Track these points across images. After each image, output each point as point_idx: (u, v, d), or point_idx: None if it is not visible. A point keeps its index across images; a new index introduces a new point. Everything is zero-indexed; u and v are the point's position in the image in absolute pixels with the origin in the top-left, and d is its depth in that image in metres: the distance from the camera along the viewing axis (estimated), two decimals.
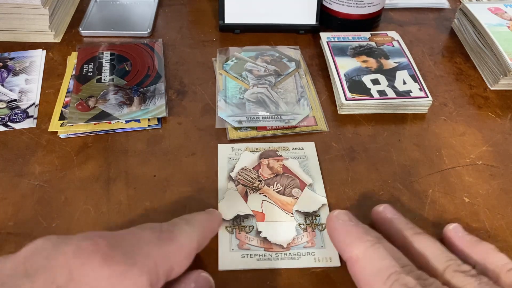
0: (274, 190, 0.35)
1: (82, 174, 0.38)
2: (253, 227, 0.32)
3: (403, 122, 0.44)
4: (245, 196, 0.35)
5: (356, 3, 0.53)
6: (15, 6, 0.50)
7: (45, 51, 0.51)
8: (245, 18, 0.54)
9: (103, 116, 0.42)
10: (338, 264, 0.31)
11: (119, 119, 0.42)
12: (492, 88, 0.49)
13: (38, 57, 0.50)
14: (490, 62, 0.49)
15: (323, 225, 0.33)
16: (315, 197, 0.35)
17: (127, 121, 0.42)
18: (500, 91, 0.49)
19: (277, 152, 0.38)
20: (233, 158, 0.37)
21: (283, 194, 0.35)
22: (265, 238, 0.31)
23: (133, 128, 0.42)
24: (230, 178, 0.36)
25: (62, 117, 0.43)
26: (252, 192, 0.35)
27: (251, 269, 0.31)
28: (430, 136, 0.43)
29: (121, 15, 0.57)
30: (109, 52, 0.50)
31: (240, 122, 0.42)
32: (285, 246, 0.31)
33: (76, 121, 0.41)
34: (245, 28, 0.55)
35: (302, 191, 0.35)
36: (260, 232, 0.32)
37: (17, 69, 0.48)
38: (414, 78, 0.47)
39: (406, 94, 0.45)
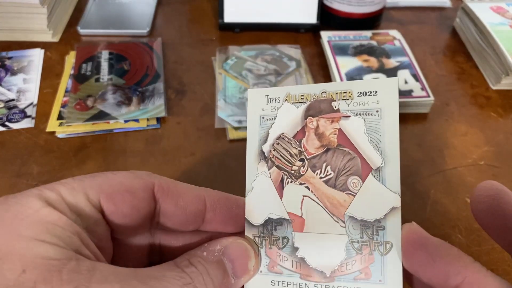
0: (321, 178, 0.22)
1: (80, 175, 0.37)
2: (288, 239, 0.23)
3: (404, 122, 0.44)
4: (280, 187, 0.23)
5: (357, 2, 0.53)
6: (13, 4, 0.49)
7: (43, 50, 0.51)
8: (245, 16, 0.54)
9: (102, 116, 0.42)
10: None
11: (117, 119, 0.42)
12: (494, 88, 0.48)
13: (36, 56, 0.50)
14: (492, 61, 0.49)
15: (388, 245, 0.21)
16: (383, 194, 0.21)
17: (125, 121, 0.42)
18: (502, 91, 0.48)
19: (333, 104, 0.22)
20: (267, 117, 0.23)
21: (334, 186, 0.22)
22: (302, 260, 0.22)
23: (132, 128, 0.42)
24: (262, 155, 0.23)
25: (60, 117, 0.42)
26: (289, 180, 0.23)
27: None
28: (431, 136, 0.43)
29: (119, 13, 0.57)
30: (108, 51, 0.50)
31: (240, 122, 0.42)
32: (328, 275, 0.22)
33: (75, 121, 0.41)
34: (245, 27, 0.55)
35: (363, 180, 0.22)
36: (297, 249, 0.22)
37: (15, 68, 0.48)
38: (416, 77, 0.46)
39: (408, 93, 0.44)
